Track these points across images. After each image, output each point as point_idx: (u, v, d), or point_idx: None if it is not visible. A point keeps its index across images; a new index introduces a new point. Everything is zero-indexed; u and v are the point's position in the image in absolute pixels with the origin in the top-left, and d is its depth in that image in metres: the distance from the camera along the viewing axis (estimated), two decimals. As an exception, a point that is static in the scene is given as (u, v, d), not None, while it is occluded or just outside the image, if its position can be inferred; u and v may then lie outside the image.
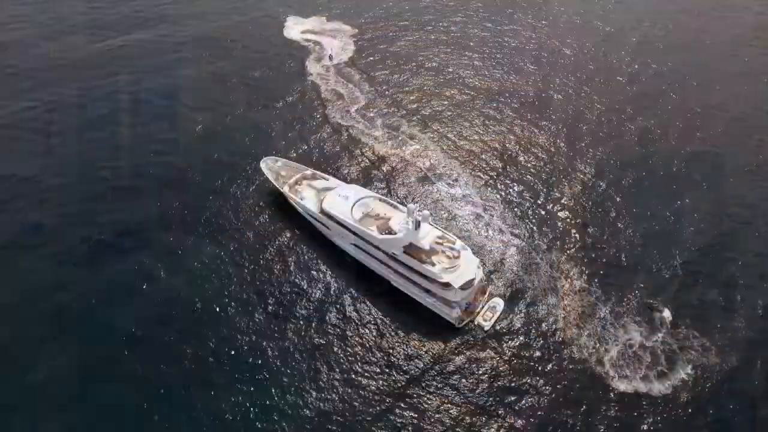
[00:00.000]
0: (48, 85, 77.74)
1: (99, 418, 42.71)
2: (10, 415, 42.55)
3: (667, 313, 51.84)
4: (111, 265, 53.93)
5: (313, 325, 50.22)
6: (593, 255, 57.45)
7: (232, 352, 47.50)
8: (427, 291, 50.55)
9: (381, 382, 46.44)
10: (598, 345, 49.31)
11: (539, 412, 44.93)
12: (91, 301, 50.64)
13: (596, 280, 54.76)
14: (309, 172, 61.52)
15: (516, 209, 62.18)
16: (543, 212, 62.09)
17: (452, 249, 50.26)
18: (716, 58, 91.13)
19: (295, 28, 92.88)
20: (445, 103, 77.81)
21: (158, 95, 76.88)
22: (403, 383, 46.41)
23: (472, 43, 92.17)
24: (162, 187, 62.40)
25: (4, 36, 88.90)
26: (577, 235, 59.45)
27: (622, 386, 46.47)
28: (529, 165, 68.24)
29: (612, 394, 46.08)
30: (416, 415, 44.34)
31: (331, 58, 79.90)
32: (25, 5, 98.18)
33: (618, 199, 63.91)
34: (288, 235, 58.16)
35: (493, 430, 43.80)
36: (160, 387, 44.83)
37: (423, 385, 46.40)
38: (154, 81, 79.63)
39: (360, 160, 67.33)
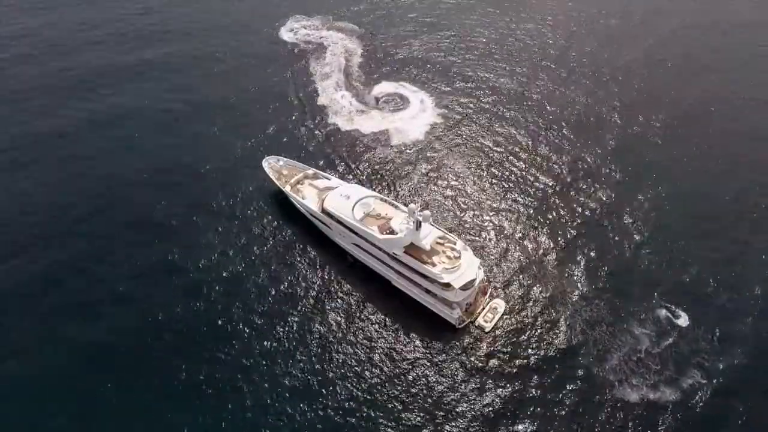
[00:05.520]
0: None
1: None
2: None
3: (676, 318, 50.86)
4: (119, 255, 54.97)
5: (312, 324, 50.05)
6: (599, 258, 56.54)
7: (227, 355, 47.37)
8: (428, 291, 50.16)
9: (379, 382, 46.07)
10: (602, 350, 48.41)
11: (540, 418, 44.25)
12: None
13: (601, 284, 53.91)
14: (311, 171, 61.43)
15: (519, 210, 61.47)
16: (546, 213, 61.28)
17: (453, 249, 49.89)
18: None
19: (298, 27, 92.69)
20: (451, 104, 77.07)
21: (161, 96, 77.09)
22: (402, 383, 46.03)
23: (481, 44, 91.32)
24: (163, 187, 62.50)
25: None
26: (582, 238, 58.55)
27: (627, 392, 45.60)
28: (532, 166, 67.39)
29: (616, 400, 45.21)
30: (414, 416, 43.94)
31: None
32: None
33: (625, 202, 62.87)
34: (289, 234, 58.08)
35: (492, 433, 43.31)
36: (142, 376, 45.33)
37: (422, 385, 45.97)
38: (156, 82, 79.87)
39: (362, 160, 67.04)
